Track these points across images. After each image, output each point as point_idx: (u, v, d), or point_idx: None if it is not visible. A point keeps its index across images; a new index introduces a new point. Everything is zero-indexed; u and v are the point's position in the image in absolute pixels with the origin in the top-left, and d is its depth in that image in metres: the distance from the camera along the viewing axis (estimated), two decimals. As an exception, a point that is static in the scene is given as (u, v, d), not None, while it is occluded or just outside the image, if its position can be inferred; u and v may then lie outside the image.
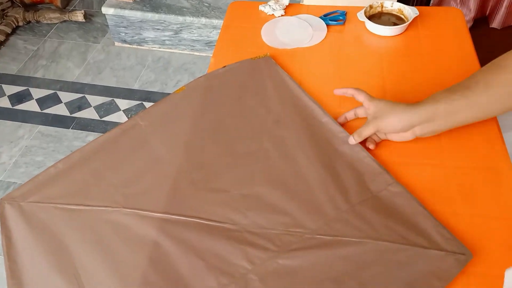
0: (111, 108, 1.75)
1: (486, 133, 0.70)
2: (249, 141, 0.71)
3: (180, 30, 1.88)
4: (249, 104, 0.77)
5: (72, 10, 2.13)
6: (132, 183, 0.67)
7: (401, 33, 0.89)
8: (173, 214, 0.62)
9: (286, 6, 0.97)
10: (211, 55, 0.91)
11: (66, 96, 1.81)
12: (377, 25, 0.87)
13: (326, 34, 0.90)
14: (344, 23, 0.92)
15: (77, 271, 0.58)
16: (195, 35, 1.88)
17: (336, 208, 0.61)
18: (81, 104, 1.77)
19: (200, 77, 0.82)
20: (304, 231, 0.59)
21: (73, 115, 1.73)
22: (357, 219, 0.60)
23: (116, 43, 2.02)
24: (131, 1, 1.88)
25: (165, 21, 1.86)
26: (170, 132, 0.74)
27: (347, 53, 0.87)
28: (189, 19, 1.82)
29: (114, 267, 0.58)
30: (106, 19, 1.94)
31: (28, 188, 0.67)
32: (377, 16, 0.92)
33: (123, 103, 1.77)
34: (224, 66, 0.83)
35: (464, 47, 0.86)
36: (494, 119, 0.71)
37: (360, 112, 0.72)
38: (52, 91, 1.83)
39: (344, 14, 0.93)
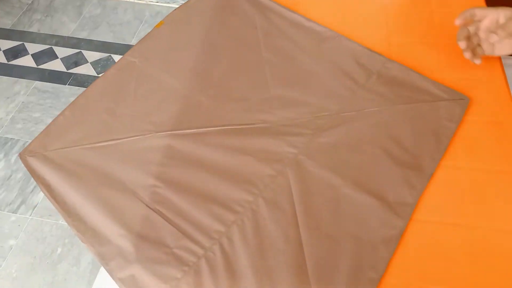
0: (108, 64, 1.71)
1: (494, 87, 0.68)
2: (249, 54, 0.75)
3: (179, -17, 1.81)
4: (233, 25, 0.80)
5: (66, -39, 2.04)
6: (154, 111, 0.69)
7: (408, -18, 0.84)
8: (207, 127, 0.66)
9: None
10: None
11: (62, 52, 1.77)
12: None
13: (329, -18, 0.86)
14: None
15: (137, 193, 0.60)
16: (194, -12, 1.81)
17: (349, 89, 0.69)
18: (77, 60, 1.73)
19: (175, 9, 0.84)
20: (329, 113, 0.67)
21: (70, 71, 1.70)
22: (369, 93, 0.69)
23: (113, -3, 1.95)
24: (127, -48, 1.80)
25: (162, -27, 1.78)
26: (168, 62, 0.75)
27: (351, 4, 0.83)
28: (187, -29, 1.75)
29: (176, 181, 0.61)
30: (101, -30, 1.87)
31: (44, 139, 0.68)
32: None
33: (120, 59, 1.72)
34: None
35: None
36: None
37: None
38: (48, 46, 1.79)
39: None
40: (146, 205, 0.59)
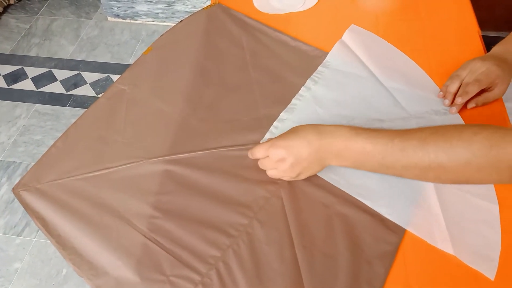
0: (107, 84, 1.73)
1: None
2: (237, 75, 0.76)
3: (173, 2, 1.84)
4: (221, 47, 0.82)
5: (63, -14, 2.08)
6: (145, 137, 0.69)
7: (396, -6, 0.86)
8: (199, 151, 0.66)
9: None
10: (203, 23, 0.89)
11: (61, 74, 1.79)
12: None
13: (319, -3, 0.88)
14: (337, -15, 0.90)
15: (131, 222, 0.60)
16: (189, 6, 1.84)
17: None
18: (76, 81, 1.75)
19: (162, 35, 0.85)
20: None
21: (69, 92, 1.72)
22: None
23: (109, 18, 1.99)
24: (122, -26, 1.84)
25: (157, -7, 1.82)
26: (158, 87, 0.76)
27: (343, 16, 0.85)
28: (181, -10, 1.78)
29: (170, 208, 0.61)
30: (97, -7, 1.90)
31: (37, 172, 0.67)
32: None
33: (119, 79, 1.75)
34: (180, 21, 0.87)
35: (462, 6, 0.84)
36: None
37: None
38: (47, 69, 1.81)
39: (337, -25, 0.90)
40: (142, 234, 0.59)
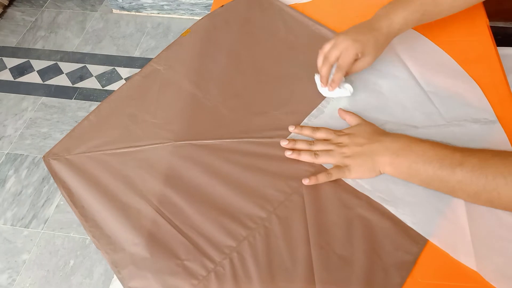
0: (113, 77, 1.74)
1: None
2: (273, 67, 0.75)
3: (178, -6, 1.83)
4: (258, 36, 0.80)
5: (68, -22, 2.08)
6: (174, 120, 0.69)
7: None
8: (225, 139, 0.66)
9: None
10: (208, 15, 0.88)
11: (67, 67, 1.79)
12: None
13: (326, -12, 0.87)
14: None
15: (153, 203, 0.61)
16: (194, -2, 1.84)
17: None
18: (82, 74, 1.76)
19: (202, 18, 0.84)
20: None
21: (75, 85, 1.72)
22: None
23: (114, 10, 1.98)
24: (127, -34, 1.83)
25: (162, -15, 1.81)
26: (192, 71, 0.76)
27: (350, 7, 0.84)
28: (186, -19, 1.77)
29: (191, 192, 0.61)
30: (102, -15, 1.90)
31: (68, 142, 0.69)
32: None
33: (124, 72, 1.75)
34: (222, 6, 0.86)
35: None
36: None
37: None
38: (53, 62, 1.82)
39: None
40: (161, 216, 0.59)
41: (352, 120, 0.65)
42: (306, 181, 0.59)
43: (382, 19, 0.66)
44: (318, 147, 0.62)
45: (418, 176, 0.55)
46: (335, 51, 0.65)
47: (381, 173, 0.59)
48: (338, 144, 0.61)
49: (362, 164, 0.59)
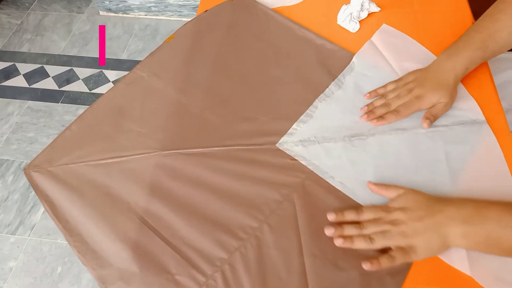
0: (100, 79, 1.72)
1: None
2: (259, 72, 0.74)
3: (166, -5, 1.81)
4: (243, 41, 0.79)
5: (54, -20, 2.05)
6: (160, 128, 0.68)
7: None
8: (213, 147, 0.65)
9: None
10: (193, 18, 0.87)
11: (53, 70, 1.77)
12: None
13: (311, -11, 0.86)
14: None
15: (140, 215, 0.59)
16: (181, 0, 1.82)
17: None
18: (69, 77, 1.74)
19: (186, 23, 0.82)
20: None
21: (62, 88, 1.70)
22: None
23: (101, 12, 1.96)
24: (113, -33, 1.81)
25: (149, -14, 1.79)
26: (177, 78, 0.74)
27: (335, 12, 0.83)
28: (174, -17, 1.76)
29: (180, 203, 0.59)
30: (88, -13, 1.88)
31: (49, 153, 0.67)
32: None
33: (112, 74, 1.73)
34: (205, 11, 0.84)
35: (459, 6, 0.82)
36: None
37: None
38: (39, 65, 1.79)
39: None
40: (149, 228, 0.57)
41: (391, 192, 0.56)
42: (367, 266, 0.51)
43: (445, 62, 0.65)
44: (370, 229, 0.53)
45: (499, 245, 0.49)
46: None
47: (450, 247, 0.52)
48: (392, 222, 0.53)
49: (429, 242, 0.51)
